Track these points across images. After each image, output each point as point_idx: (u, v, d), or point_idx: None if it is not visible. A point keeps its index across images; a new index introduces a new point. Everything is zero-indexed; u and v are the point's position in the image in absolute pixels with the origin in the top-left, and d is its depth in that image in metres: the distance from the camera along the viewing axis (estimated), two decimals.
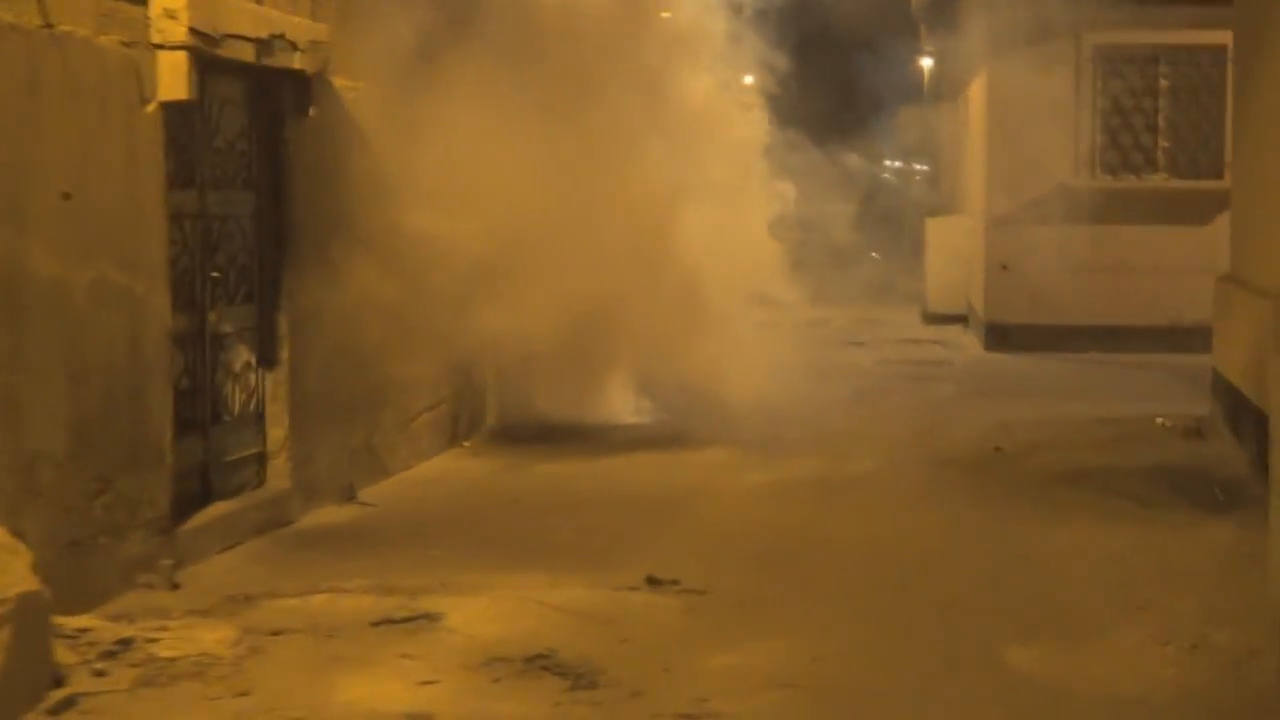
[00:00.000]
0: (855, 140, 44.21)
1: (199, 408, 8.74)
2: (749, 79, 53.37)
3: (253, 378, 9.32)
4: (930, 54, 27.16)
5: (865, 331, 21.22)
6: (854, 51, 44.76)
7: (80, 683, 6.20)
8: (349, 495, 10.00)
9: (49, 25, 7.04)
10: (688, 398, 12.93)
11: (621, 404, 13.20)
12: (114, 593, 7.52)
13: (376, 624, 7.09)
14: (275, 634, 6.90)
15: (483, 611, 7.30)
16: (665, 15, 29.89)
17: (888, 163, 42.53)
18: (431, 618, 7.15)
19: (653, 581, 7.90)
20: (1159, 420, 12.63)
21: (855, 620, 7.36)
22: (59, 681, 6.17)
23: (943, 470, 11.05)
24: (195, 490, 8.71)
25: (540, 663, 6.59)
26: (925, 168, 37.60)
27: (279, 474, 9.45)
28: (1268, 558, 6.60)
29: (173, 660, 6.42)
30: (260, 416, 9.40)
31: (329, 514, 9.68)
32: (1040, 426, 12.86)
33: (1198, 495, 9.94)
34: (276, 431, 9.45)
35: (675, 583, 7.89)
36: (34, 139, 6.94)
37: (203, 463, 8.79)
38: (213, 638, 6.66)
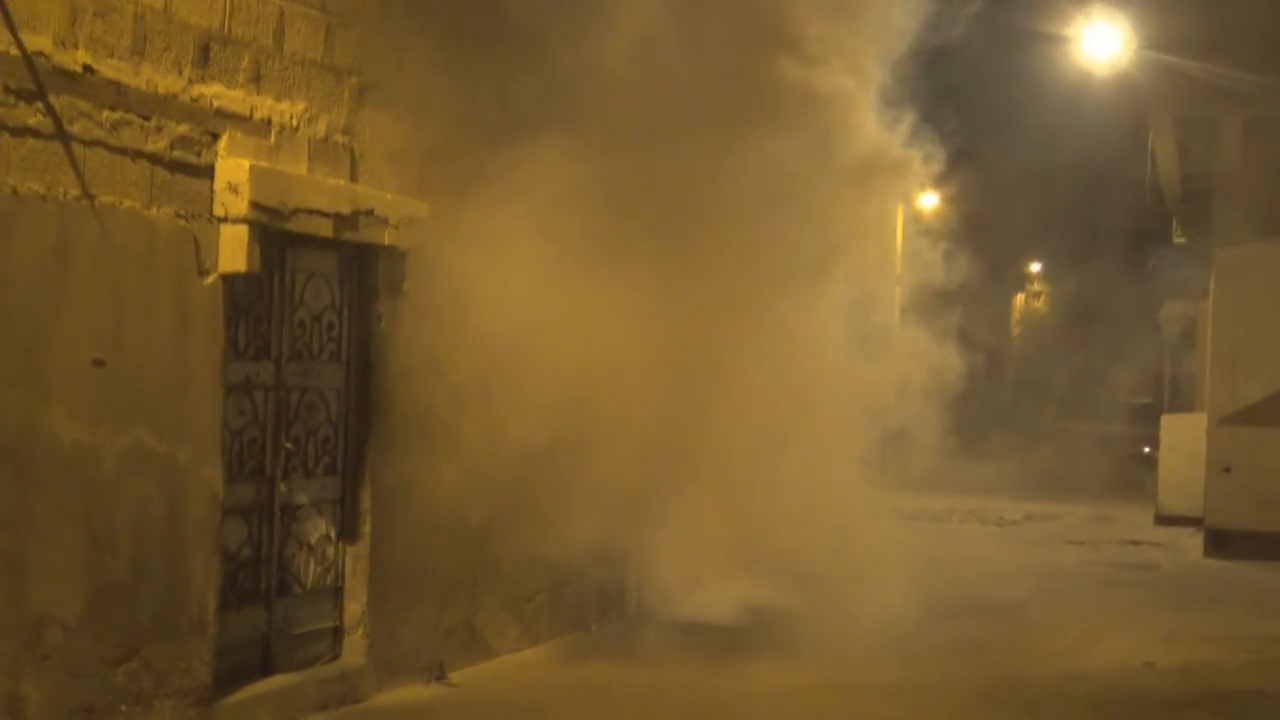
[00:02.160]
0: (1149, 330, 43.14)
1: (263, 579, 8.66)
2: (1036, 266, 52.21)
3: (331, 550, 9.22)
4: (1185, 248, 26.26)
5: (1091, 530, 20.44)
6: (1139, 244, 43.78)
7: None
8: (438, 675, 9.78)
9: (88, 196, 7.14)
10: (830, 597, 12.28)
11: (759, 600, 12.53)
12: None
13: None
14: None
15: None
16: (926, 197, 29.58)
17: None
18: None
19: None
20: None
21: None
22: None
23: (1074, 682, 10.36)
24: (255, 661, 8.60)
25: None
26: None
27: (354, 649, 9.28)
28: None
29: None
30: (338, 590, 9.28)
31: (408, 693, 9.46)
32: (1210, 641, 11.99)
33: None
34: (354, 606, 9.31)
35: None
36: (60, 306, 7.02)
37: (264, 634, 8.68)
38: None
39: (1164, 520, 20.89)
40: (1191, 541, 18.98)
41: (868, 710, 9.55)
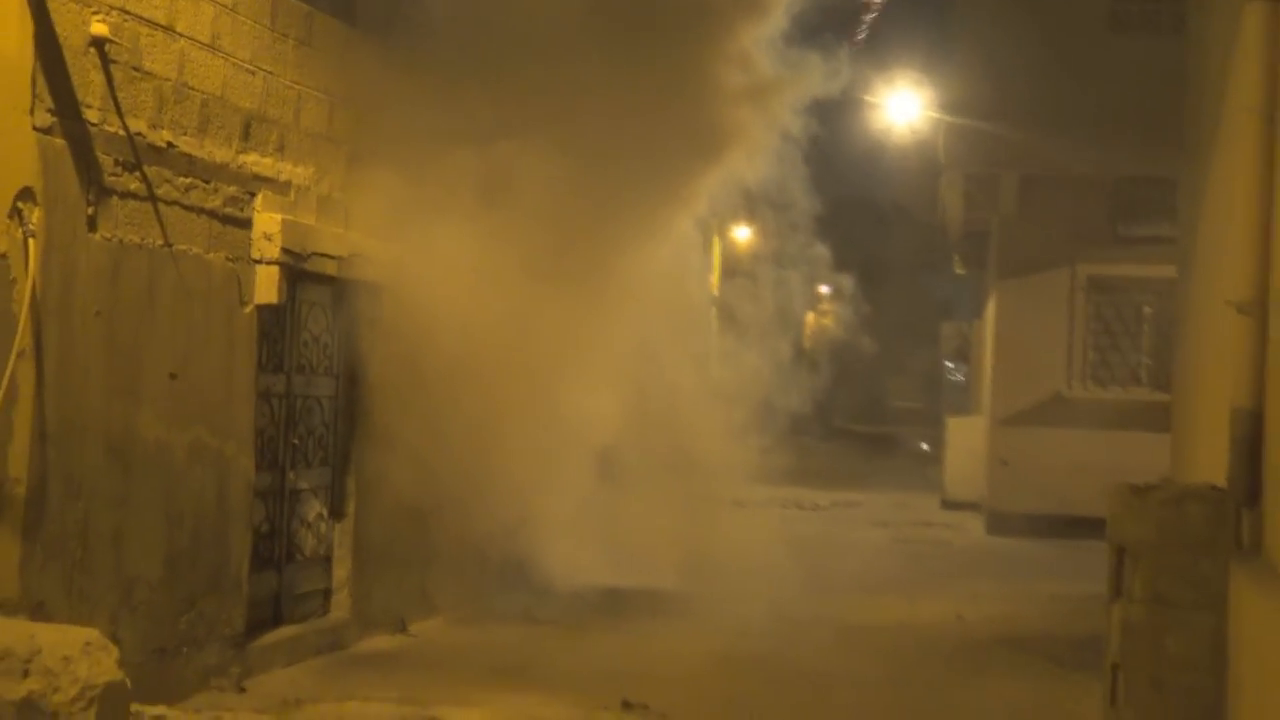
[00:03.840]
0: (924, 346, 45.43)
1: (276, 548, 9.80)
2: (825, 288, 53.91)
3: (324, 527, 10.38)
4: (964, 277, 28.25)
5: (890, 514, 22.04)
6: (919, 271, 46.13)
7: None
8: (400, 627, 10.97)
9: (169, 244, 8.25)
10: (709, 567, 13.64)
11: (639, 572, 13.73)
12: (192, 691, 8.52)
13: None
14: None
15: (480, 719, 8.22)
16: (743, 230, 31.12)
17: (956, 365, 43.12)
18: None
19: (626, 705, 8.80)
20: None
21: None
22: None
23: (904, 630, 11.85)
24: (268, 615, 9.73)
25: None
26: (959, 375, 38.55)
27: (340, 606, 10.45)
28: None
29: None
30: (328, 558, 10.44)
31: (381, 641, 10.64)
32: (1005, 599, 13.61)
33: None
34: (340, 572, 10.47)
35: (645, 706, 8.77)
36: (150, 333, 8.11)
37: (276, 593, 9.82)
38: None
39: (949, 505, 22.70)
40: (974, 523, 20.79)
41: (750, 648, 10.88)
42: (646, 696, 8.90)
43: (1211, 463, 8.14)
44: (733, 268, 27.01)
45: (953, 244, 25.33)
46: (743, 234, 31.23)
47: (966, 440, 22.61)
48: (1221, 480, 7.16)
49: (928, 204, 26.06)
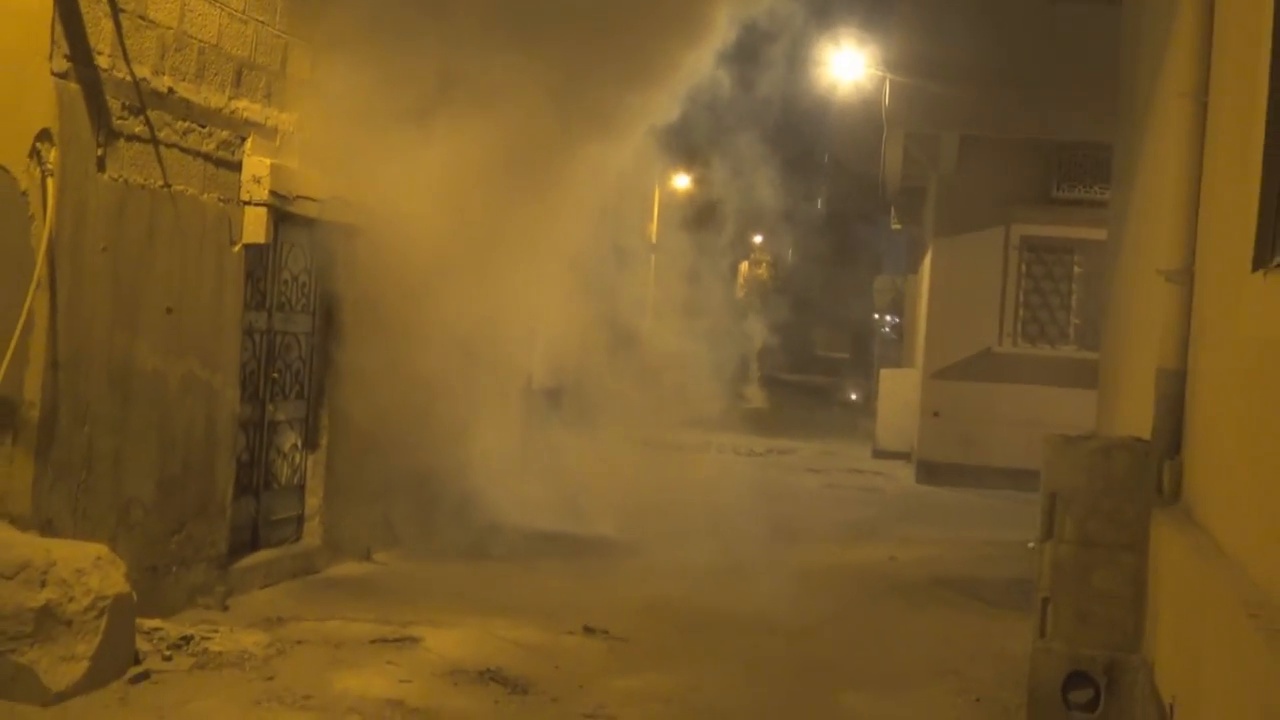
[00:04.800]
0: (854, 298, 46.20)
1: (254, 476, 10.35)
2: (758, 238, 54.27)
3: (298, 457, 10.93)
4: (899, 232, 29.01)
5: (822, 461, 22.79)
6: (855, 224, 46.89)
7: (152, 664, 7.76)
8: (366, 555, 11.54)
9: (168, 185, 8.75)
10: (651, 514, 14.24)
11: (586, 510, 14.31)
12: (180, 608, 9.07)
13: (372, 642, 8.64)
14: (297, 643, 8.46)
15: (453, 639, 8.85)
16: (683, 180, 31.49)
17: (889, 318, 43.92)
18: (414, 640, 8.71)
19: (588, 630, 9.45)
20: (1030, 544, 14.07)
21: (734, 668, 8.88)
22: (137, 661, 7.72)
23: (841, 571, 12.56)
24: (247, 539, 10.29)
25: (489, 675, 8.14)
26: (888, 328, 39.50)
27: (312, 533, 11.02)
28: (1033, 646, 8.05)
29: (220, 653, 7.98)
30: (301, 487, 10.99)
31: (349, 568, 11.22)
32: (934, 544, 14.37)
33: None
34: (313, 500, 11.03)
35: (605, 631, 9.43)
36: (149, 270, 8.62)
37: (254, 519, 10.37)
38: (250, 641, 8.22)
39: (880, 454, 23.48)
40: (904, 472, 21.59)
41: (695, 587, 11.51)
42: (605, 624, 9.56)
43: (1135, 417, 8.86)
44: (671, 216, 27.55)
45: (890, 199, 26.03)
46: (682, 182, 31.73)
47: (899, 391, 23.38)
48: (1145, 433, 7.87)
49: (865, 158, 26.69)
